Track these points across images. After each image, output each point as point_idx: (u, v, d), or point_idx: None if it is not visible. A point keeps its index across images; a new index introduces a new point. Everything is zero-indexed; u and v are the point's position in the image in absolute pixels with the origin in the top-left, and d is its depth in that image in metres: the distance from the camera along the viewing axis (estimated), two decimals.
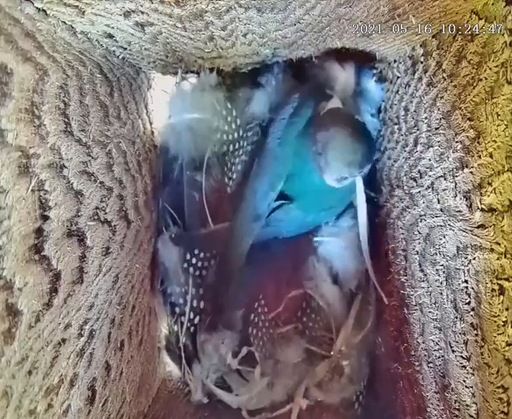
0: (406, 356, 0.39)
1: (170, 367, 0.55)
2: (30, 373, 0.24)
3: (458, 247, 0.29)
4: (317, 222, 0.49)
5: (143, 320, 0.47)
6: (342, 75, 0.45)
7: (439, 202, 0.32)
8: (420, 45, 0.37)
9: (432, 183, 0.33)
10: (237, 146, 0.48)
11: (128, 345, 0.41)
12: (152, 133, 0.51)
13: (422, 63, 0.37)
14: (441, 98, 0.32)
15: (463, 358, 0.28)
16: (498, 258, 0.24)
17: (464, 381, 0.28)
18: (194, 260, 0.50)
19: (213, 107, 0.47)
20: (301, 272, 0.51)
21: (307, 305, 0.53)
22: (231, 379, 0.51)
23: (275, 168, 0.44)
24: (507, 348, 0.23)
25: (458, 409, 0.29)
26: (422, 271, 0.36)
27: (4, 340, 0.21)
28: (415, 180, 0.38)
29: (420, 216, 0.36)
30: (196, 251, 0.50)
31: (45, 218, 0.25)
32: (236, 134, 0.48)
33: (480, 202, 0.26)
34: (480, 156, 0.26)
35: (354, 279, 0.50)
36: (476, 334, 0.26)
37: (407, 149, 0.40)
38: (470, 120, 0.27)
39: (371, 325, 0.50)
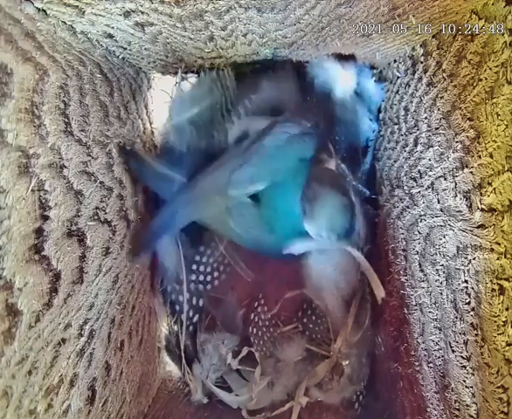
0: (406, 356, 0.39)
1: (170, 367, 0.55)
2: (30, 373, 0.24)
3: (458, 247, 0.29)
4: (275, 244, 0.46)
5: (143, 320, 0.47)
6: (342, 75, 0.45)
7: (439, 202, 0.32)
8: (420, 45, 0.37)
9: (432, 183, 0.33)
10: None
11: (128, 345, 0.41)
12: (152, 133, 0.51)
13: (422, 63, 0.37)
14: (441, 98, 0.32)
15: (463, 358, 0.28)
16: (498, 258, 0.24)
17: (464, 381, 0.28)
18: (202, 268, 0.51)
19: (211, 92, 0.47)
20: (300, 272, 0.50)
21: (307, 306, 0.53)
22: (231, 379, 0.51)
23: (263, 165, 0.43)
24: (507, 348, 0.23)
25: (458, 409, 0.29)
26: (422, 271, 0.36)
27: (4, 340, 0.21)
28: (415, 180, 0.38)
29: (420, 216, 0.36)
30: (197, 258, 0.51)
31: (45, 218, 0.25)
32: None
33: (480, 202, 0.26)
34: (480, 156, 0.26)
35: (350, 288, 0.49)
36: (476, 334, 0.26)
37: (407, 149, 0.40)
38: (470, 120, 0.27)
39: (369, 323, 0.50)
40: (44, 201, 0.25)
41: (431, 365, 0.34)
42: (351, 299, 0.51)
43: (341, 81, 0.46)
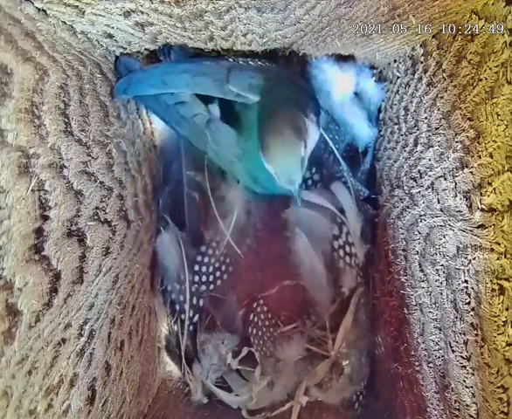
0: (406, 356, 0.39)
1: (170, 367, 0.55)
2: (30, 373, 0.24)
3: (458, 247, 0.29)
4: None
5: (143, 320, 0.47)
6: (341, 78, 0.45)
7: (439, 202, 0.32)
8: (420, 45, 0.37)
9: (432, 183, 0.33)
10: None
11: (128, 345, 0.41)
12: (152, 133, 0.51)
13: (422, 63, 0.37)
14: (441, 98, 0.32)
15: (463, 358, 0.28)
16: (498, 258, 0.24)
17: (464, 381, 0.28)
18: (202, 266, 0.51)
19: None
20: (294, 261, 0.51)
21: (307, 306, 0.53)
22: (231, 379, 0.51)
23: (262, 80, 0.40)
24: (507, 348, 0.23)
25: (458, 409, 0.29)
26: (422, 271, 0.36)
27: (4, 340, 0.21)
28: (415, 180, 0.38)
29: (420, 216, 0.36)
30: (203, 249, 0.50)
31: (45, 218, 0.25)
32: None
33: (480, 202, 0.26)
34: (480, 156, 0.26)
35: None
36: (476, 334, 0.26)
37: (407, 149, 0.40)
38: (470, 120, 0.27)
39: (369, 322, 0.50)
40: (44, 201, 0.25)
41: (431, 365, 0.34)
42: (350, 295, 0.50)
43: (339, 84, 0.46)
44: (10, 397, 0.22)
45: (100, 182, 0.34)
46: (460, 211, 0.28)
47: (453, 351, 0.29)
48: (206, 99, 0.41)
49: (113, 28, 0.32)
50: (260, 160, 0.41)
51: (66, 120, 0.28)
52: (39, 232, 0.25)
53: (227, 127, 0.41)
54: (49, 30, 0.27)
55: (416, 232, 0.37)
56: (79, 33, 0.31)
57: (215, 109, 0.41)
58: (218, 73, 0.39)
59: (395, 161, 0.44)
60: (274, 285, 0.53)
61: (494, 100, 0.24)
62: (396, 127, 0.43)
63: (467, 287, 0.27)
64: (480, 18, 0.27)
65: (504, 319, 0.23)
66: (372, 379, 0.50)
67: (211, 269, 0.51)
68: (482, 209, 0.25)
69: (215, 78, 0.39)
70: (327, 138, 0.48)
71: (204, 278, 0.51)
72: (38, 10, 0.26)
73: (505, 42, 0.24)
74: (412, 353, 0.38)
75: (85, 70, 0.32)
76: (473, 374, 0.27)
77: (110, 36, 0.34)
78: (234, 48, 0.39)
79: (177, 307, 0.51)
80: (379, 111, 0.50)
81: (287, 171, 0.38)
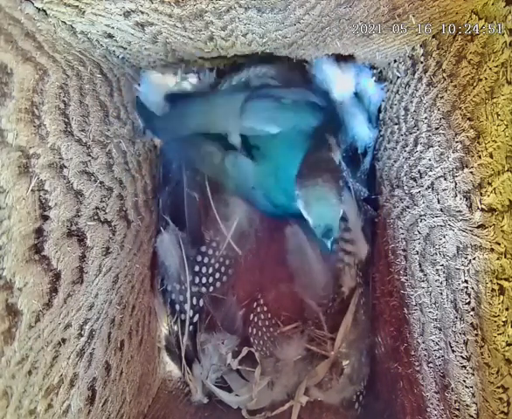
0: (406, 356, 0.39)
1: (170, 367, 0.55)
2: (30, 373, 0.24)
3: (458, 247, 0.29)
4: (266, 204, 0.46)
5: (143, 320, 0.47)
6: (341, 78, 0.45)
7: (439, 202, 0.32)
8: (420, 45, 0.37)
9: (432, 183, 0.33)
10: None
11: (128, 345, 0.41)
12: None
13: (422, 63, 0.37)
14: (441, 98, 0.32)
15: (463, 358, 0.28)
16: (498, 258, 0.24)
17: (464, 381, 0.28)
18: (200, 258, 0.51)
19: None
20: (293, 261, 0.51)
21: (307, 306, 0.53)
22: (231, 379, 0.51)
23: (276, 111, 0.41)
24: (507, 348, 0.23)
25: (458, 409, 0.29)
26: (422, 271, 0.36)
27: (4, 340, 0.21)
28: (415, 180, 0.38)
29: (420, 216, 0.36)
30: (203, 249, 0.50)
31: (45, 218, 0.25)
32: None
33: (480, 202, 0.26)
34: (480, 156, 0.26)
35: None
36: (476, 334, 0.26)
37: (407, 149, 0.40)
38: (470, 120, 0.27)
39: (369, 322, 0.50)
40: (44, 201, 0.25)
41: (431, 365, 0.34)
42: (350, 294, 0.50)
43: (339, 84, 0.46)
44: (10, 397, 0.22)
45: (100, 182, 0.34)
46: (460, 211, 0.28)
47: (453, 351, 0.29)
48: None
49: (113, 28, 0.32)
50: (279, 187, 0.42)
51: (66, 120, 0.28)
52: (39, 232, 0.25)
53: (245, 158, 0.43)
54: (49, 30, 0.27)
55: (416, 232, 0.37)
56: (79, 33, 0.31)
57: (236, 139, 0.43)
58: (231, 109, 0.41)
59: (395, 161, 0.44)
60: (274, 285, 0.53)
61: (494, 100, 0.24)
62: (396, 127, 0.43)
63: (467, 287, 0.27)
64: (480, 18, 0.27)
65: (504, 319, 0.23)
66: (372, 379, 0.50)
67: (211, 269, 0.51)
68: (482, 209, 0.25)
69: (228, 115, 0.41)
70: None
71: (204, 279, 0.51)
72: (38, 10, 0.26)
73: (505, 42, 0.24)
74: (412, 353, 0.38)
75: (85, 70, 0.32)
76: (473, 374, 0.27)
77: (110, 36, 0.34)
78: (234, 48, 0.39)
79: (177, 307, 0.51)
80: (379, 111, 0.50)
81: (325, 226, 0.39)
